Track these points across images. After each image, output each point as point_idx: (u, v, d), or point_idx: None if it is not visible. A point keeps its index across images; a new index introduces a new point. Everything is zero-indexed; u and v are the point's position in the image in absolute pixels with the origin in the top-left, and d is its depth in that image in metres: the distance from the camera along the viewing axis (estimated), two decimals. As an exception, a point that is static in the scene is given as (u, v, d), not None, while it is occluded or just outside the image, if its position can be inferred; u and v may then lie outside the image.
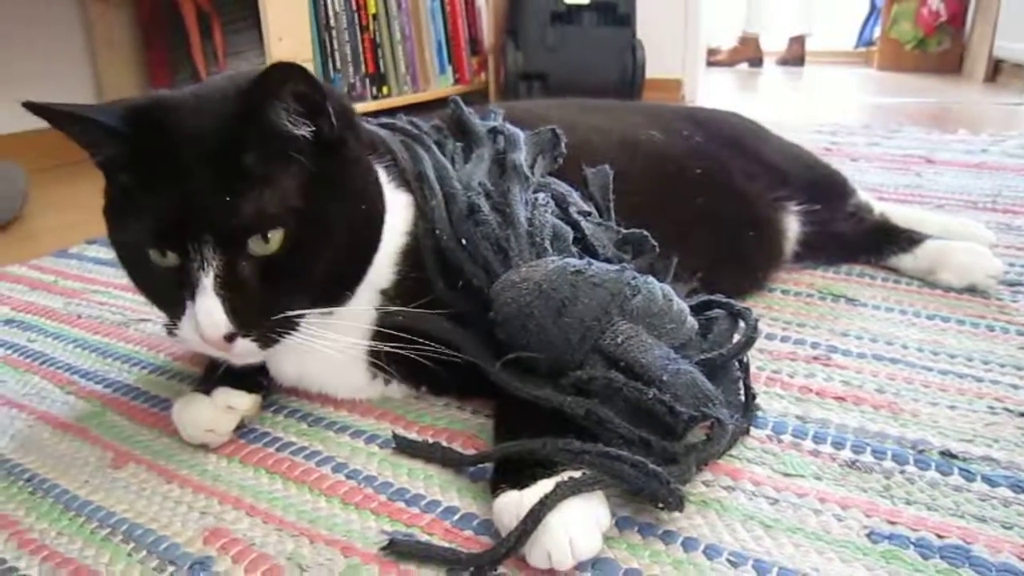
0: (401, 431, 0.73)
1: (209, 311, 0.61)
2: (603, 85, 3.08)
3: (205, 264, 0.61)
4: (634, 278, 0.69)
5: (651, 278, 0.71)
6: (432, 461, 0.69)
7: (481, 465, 0.68)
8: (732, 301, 0.77)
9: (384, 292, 0.74)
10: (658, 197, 0.98)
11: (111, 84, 2.35)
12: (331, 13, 2.47)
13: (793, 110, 3.11)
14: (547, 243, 0.72)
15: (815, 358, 0.87)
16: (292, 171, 0.64)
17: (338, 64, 2.50)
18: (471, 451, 0.70)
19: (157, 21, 2.34)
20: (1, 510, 0.66)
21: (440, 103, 3.47)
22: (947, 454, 0.68)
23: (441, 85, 3.10)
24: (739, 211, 1.04)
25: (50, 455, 0.74)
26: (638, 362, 0.64)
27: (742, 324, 0.75)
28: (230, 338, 0.62)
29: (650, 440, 0.61)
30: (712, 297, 0.79)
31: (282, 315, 0.65)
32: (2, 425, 0.80)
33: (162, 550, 0.60)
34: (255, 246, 0.63)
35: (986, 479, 0.65)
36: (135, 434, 0.77)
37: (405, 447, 0.71)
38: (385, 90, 2.76)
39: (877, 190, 1.63)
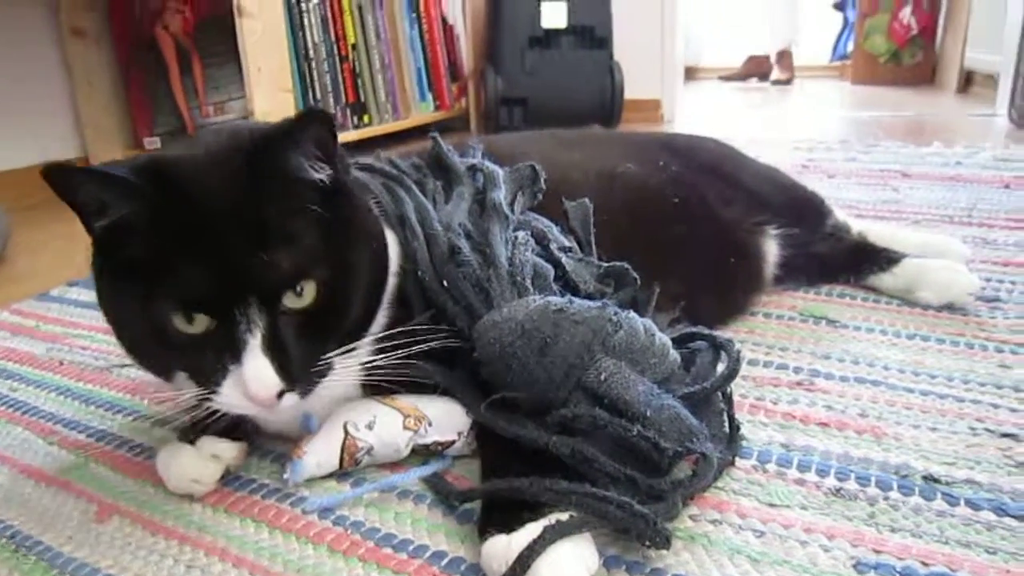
0: (388, 474, 0.73)
1: (259, 372, 0.61)
2: (583, 108, 3.11)
3: (252, 326, 0.61)
4: (615, 314, 0.70)
5: (632, 313, 0.72)
6: None
7: (468, 507, 0.68)
8: (714, 333, 0.78)
9: (375, 335, 0.74)
10: (637, 228, 0.99)
11: (91, 122, 2.35)
12: (310, 44, 2.49)
13: (770, 127, 3.15)
14: (528, 282, 0.72)
15: (798, 383, 0.88)
16: (311, 219, 0.65)
17: (318, 94, 2.52)
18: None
19: (136, 58, 2.34)
20: (-17, 570, 0.65)
21: (422, 130, 3.50)
22: (930, 478, 0.69)
23: (422, 112, 3.12)
24: (718, 238, 1.05)
25: (33, 509, 0.73)
26: (621, 399, 0.64)
27: (724, 355, 0.76)
28: (280, 395, 0.63)
29: (636, 477, 0.61)
30: (694, 329, 0.80)
31: (319, 364, 0.66)
32: (-16, 480, 0.79)
33: (148, 607, 0.59)
34: (289, 301, 0.63)
35: (969, 503, 0.65)
36: (119, 485, 0.76)
37: None
38: (366, 119, 2.78)
39: (855, 207, 1.65)
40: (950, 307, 1.06)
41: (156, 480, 0.75)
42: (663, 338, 0.73)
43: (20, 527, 0.70)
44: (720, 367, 0.75)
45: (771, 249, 1.12)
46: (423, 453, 0.75)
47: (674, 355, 0.73)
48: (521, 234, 0.78)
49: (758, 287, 1.11)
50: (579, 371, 0.66)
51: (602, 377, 0.66)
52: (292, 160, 0.64)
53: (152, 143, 2.38)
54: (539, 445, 0.64)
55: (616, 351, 0.68)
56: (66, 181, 0.61)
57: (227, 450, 0.74)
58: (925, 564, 0.59)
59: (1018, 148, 2.30)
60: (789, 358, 0.95)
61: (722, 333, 1.01)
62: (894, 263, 1.14)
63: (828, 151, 2.43)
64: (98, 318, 1.22)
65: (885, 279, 1.14)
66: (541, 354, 0.67)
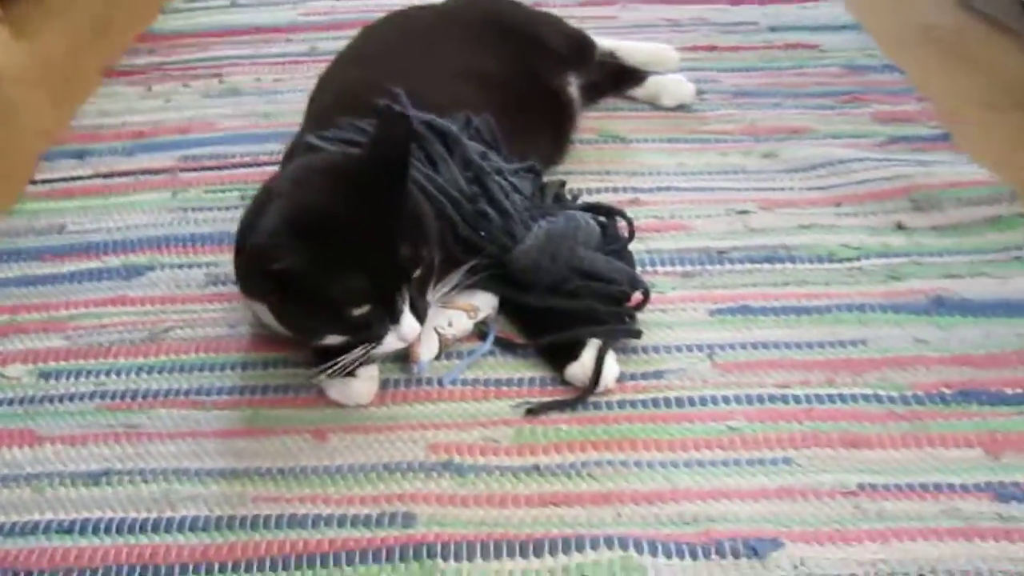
0: (468, 344, 1.22)
1: (412, 325, 1.02)
2: None
3: (403, 300, 1.01)
4: (574, 218, 1.21)
5: (575, 213, 1.23)
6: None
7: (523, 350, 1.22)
8: (612, 206, 1.32)
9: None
10: (512, 121, 1.40)
11: None
12: None
13: None
14: (526, 217, 1.19)
15: (632, 201, 1.47)
16: (409, 214, 1.03)
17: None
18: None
19: None
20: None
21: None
22: (721, 252, 1.36)
23: None
24: (554, 105, 1.53)
25: (267, 450, 1.09)
26: (597, 270, 1.20)
27: (620, 218, 1.31)
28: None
29: (619, 311, 1.19)
30: (594, 202, 1.34)
31: (426, 303, 1.08)
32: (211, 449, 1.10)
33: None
34: (413, 274, 1.03)
35: (751, 260, 1.33)
36: (302, 415, 1.13)
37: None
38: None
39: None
40: (682, 107, 1.70)
41: (326, 402, 1.14)
42: (590, 220, 1.26)
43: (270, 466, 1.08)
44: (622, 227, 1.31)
45: (575, 94, 1.62)
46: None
47: (596, 228, 1.27)
48: (503, 181, 1.20)
49: (575, 125, 1.62)
50: (572, 262, 1.19)
51: (584, 262, 1.19)
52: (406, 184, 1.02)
53: None
54: (566, 307, 1.18)
55: (580, 241, 1.21)
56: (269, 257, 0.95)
57: (376, 371, 1.16)
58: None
59: None
60: (617, 181, 1.51)
61: (562, 167, 1.55)
62: (642, 80, 1.73)
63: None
64: (73, 292, 1.34)
65: (638, 92, 1.74)
66: (553, 261, 1.17)
